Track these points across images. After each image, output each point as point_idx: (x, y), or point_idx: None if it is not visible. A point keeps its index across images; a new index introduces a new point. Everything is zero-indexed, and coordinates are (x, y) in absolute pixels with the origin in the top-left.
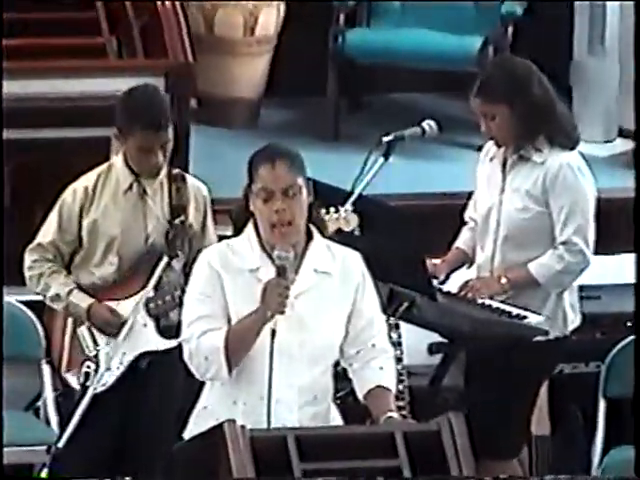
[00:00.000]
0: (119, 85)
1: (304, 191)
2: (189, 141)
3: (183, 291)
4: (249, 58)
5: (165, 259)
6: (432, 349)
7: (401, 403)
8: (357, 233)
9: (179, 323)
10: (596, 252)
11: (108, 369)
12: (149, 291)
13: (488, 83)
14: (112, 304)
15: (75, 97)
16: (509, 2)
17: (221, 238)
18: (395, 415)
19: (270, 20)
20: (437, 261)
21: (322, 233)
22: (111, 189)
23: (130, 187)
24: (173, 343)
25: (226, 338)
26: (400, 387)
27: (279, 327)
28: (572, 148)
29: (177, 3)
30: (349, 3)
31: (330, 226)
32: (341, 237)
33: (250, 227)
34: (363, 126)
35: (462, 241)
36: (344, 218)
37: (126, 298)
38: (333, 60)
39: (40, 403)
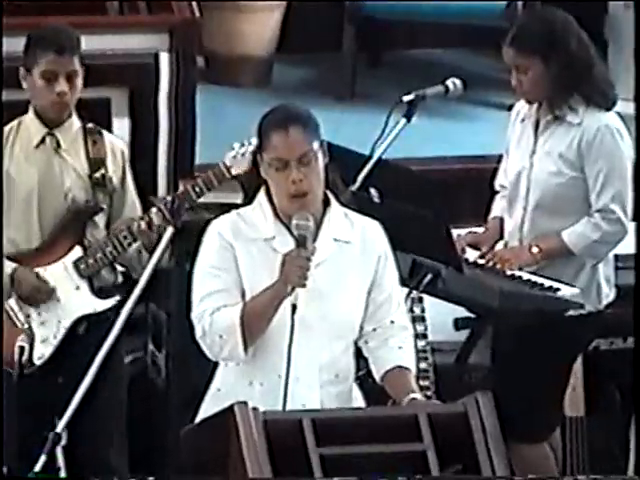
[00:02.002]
0: (120, 43)
1: (320, 156)
2: (195, 102)
3: (114, 246)
4: (259, 13)
5: (91, 215)
6: (458, 324)
7: (425, 382)
8: (377, 200)
9: (113, 282)
10: (634, 218)
11: (43, 341)
12: (79, 251)
13: (524, 33)
14: (40, 270)
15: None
16: None
17: (233, 207)
18: (418, 396)
19: None
20: (479, 230)
21: (339, 199)
22: (22, 144)
23: (42, 140)
24: (111, 302)
25: (242, 314)
26: (424, 365)
27: (298, 299)
28: (609, 109)
29: None
30: None
31: (237, 163)
32: (361, 203)
33: (262, 195)
34: (382, 84)
35: (499, 210)
36: (251, 153)
37: (54, 262)
38: (350, 14)
39: None
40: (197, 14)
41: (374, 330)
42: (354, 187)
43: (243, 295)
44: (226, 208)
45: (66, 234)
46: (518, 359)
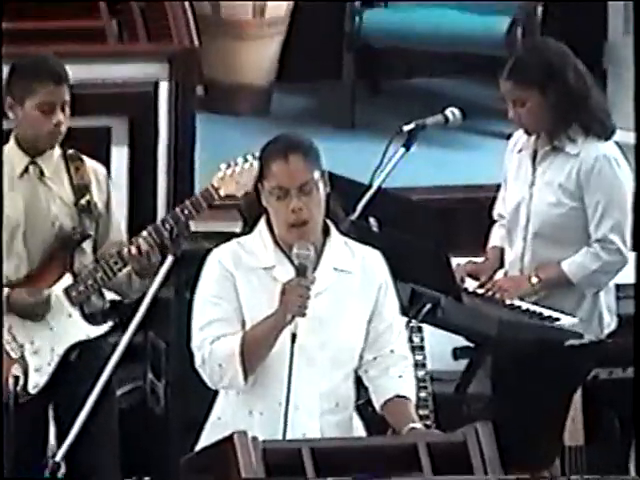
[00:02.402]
0: (120, 72)
1: (321, 185)
2: (195, 130)
3: (104, 272)
4: (259, 41)
5: (79, 243)
6: (457, 354)
7: (424, 412)
8: (375, 229)
9: (102, 308)
10: (634, 248)
11: (37, 370)
12: (67, 278)
13: (521, 65)
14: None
15: (73, 84)
16: None
17: (229, 234)
18: (418, 425)
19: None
20: (478, 260)
21: (339, 228)
22: (6, 175)
23: (26, 170)
24: (104, 328)
25: (242, 343)
26: (423, 394)
27: (298, 328)
28: (607, 138)
29: None
30: None
31: (225, 184)
32: (360, 233)
33: (262, 223)
34: (381, 113)
35: (498, 239)
36: (239, 173)
37: (44, 289)
38: (349, 42)
39: None
40: (196, 42)
41: (374, 359)
42: (353, 216)
43: (243, 324)
44: (225, 237)
45: (55, 262)
46: (518, 389)
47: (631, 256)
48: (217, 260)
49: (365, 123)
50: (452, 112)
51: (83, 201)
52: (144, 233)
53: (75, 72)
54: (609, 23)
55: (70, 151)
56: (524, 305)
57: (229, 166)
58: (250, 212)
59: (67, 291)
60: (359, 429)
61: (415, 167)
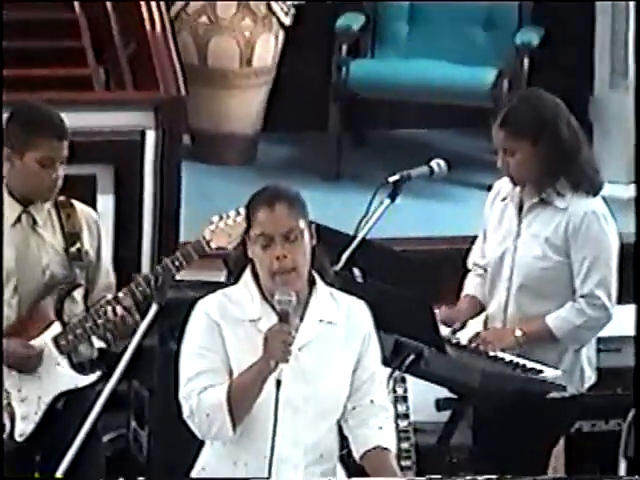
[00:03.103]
0: (106, 120)
1: (306, 235)
2: (181, 180)
3: (94, 321)
4: (245, 91)
5: (69, 291)
6: (440, 405)
7: (407, 463)
8: (360, 279)
9: (90, 358)
10: (617, 301)
11: (24, 418)
12: (58, 326)
13: (514, 115)
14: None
15: None
16: (525, 31)
17: (214, 284)
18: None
19: (268, 50)
20: (450, 309)
21: (325, 280)
22: None
23: (19, 219)
24: (92, 378)
25: (228, 392)
26: (406, 445)
27: (283, 380)
28: (595, 194)
29: (168, 31)
30: (352, 31)
31: (217, 237)
32: (344, 283)
33: (248, 274)
34: (367, 164)
35: (471, 287)
36: (230, 226)
37: (33, 338)
38: (335, 93)
39: None
40: (183, 91)
41: (354, 409)
42: (337, 267)
43: (230, 374)
44: (210, 287)
45: (44, 310)
46: (500, 440)
47: (617, 309)
48: (203, 311)
49: (350, 174)
50: (437, 163)
51: (74, 249)
52: (131, 285)
53: None
54: (595, 77)
55: (61, 198)
56: (507, 357)
57: (221, 218)
58: (236, 264)
59: (56, 340)
60: (342, 479)
61: (400, 218)
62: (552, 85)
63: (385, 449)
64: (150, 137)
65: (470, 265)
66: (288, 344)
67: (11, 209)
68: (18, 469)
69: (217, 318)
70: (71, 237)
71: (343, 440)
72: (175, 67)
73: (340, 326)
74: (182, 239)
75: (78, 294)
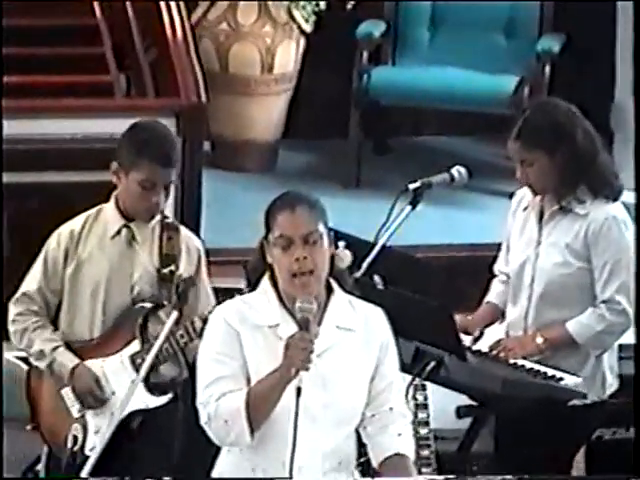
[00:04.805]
0: (127, 127)
1: (325, 239)
2: (201, 187)
3: (171, 345)
4: (266, 98)
5: (152, 310)
6: (461, 412)
7: (427, 470)
8: (380, 287)
9: (171, 379)
10: (636, 308)
11: (97, 431)
12: (137, 345)
13: (529, 127)
14: (98, 361)
15: (80, 139)
16: (546, 38)
17: (233, 290)
18: None
19: (289, 57)
20: (469, 316)
21: (343, 287)
22: (98, 233)
23: (119, 232)
24: (163, 400)
25: (247, 399)
26: (426, 452)
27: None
28: (615, 199)
29: (189, 37)
30: (374, 38)
31: None
32: (364, 290)
33: (266, 281)
34: (387, 172)
35: (494, 295)
36: (337, 255)
37: (112, 354)
38: (356, 100)
39: (40, 467)
40: (204, 98)
41: (373, 416)
42: (358, 274)
43: (248, 381)
44: (230, 293)
45: (127, 327)
46: (521, 448)
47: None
48: (222, 318)
49: (371, 181)
50: (458, 171)
51: (166, 270)
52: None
53: (83, 127)
54: (617, 85)
55: (168, 219)
56: (528, 364)
57: None
58: (254, 271)
59: (133, 357)
60: None
61: (421, 225)
62: (573, 93)
63: (404, 456)
64: None
65: (496, 271)
66: (309, 352)
67: (114, 222)
68: None
69: (235, 324)
70: (167, 259)
71: (362, 448)
72: (196, 74)
73: (358, 333)
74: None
75: (165, 315)
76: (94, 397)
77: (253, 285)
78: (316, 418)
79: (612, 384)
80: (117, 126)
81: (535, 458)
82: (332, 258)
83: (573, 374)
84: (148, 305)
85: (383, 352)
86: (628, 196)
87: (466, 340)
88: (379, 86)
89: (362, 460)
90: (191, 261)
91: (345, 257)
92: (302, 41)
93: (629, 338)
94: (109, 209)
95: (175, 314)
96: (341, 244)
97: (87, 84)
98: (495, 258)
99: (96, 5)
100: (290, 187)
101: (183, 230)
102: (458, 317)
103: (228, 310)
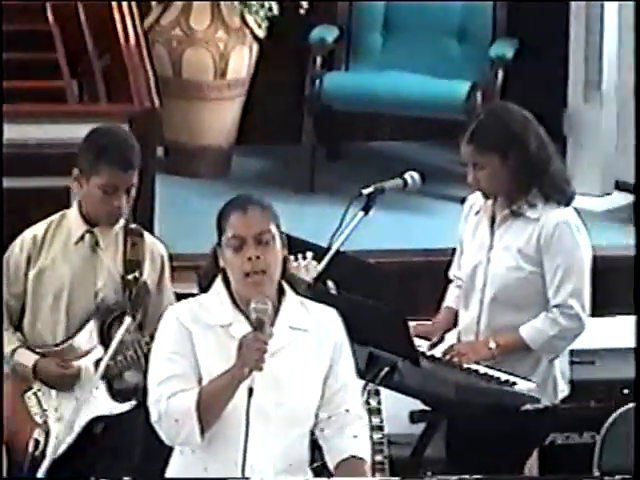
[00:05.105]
0: (79, 132)
1: (277, 240)
2: (154, 192)
3: (135, 351)
4: (219, 103)
5: (117, 317)
6: (414, 417)
7: (381, 475)
8: (334, 292)
9: (135, 385)
10: (590, 314)
11: (58, 437)
12: (100, 351)
13: (482, 130)
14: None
15: (32, 144)
16: (499, 43)
17: (187, 296)
18: None
19: (242, 62)
20: (428, 322)
21: (295, 290)
22: (62, 239)
23: (82, 238)
24: (127, 407)
25: (198, 398)
26: (380, 458)
27: (254, 387)
28: (567, 204)
29: (142, 43)
30: (326, 43)
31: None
32: (318, 295)
33: (219, 282)
34: (341, 177)
35: (451, 300)
36: (304, 266)
37: (75, 359)
38: (309, 106)
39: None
40: (157, 103)
41: (329, 418)
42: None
43: (200, 381)
44: (183, 298)
45: (91, 333)
46: (473, 453)
47: (592, 321)
48: (174, 317)
49: (324, 186)
50: (411, 176)
51: (131, 277)
52: None
53: (35, 132)
54: (569, 90)
55: (133, 225)
56: (481, 369)
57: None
58: (206, 275)
59: (97, 364)
60: None
61: (374, 231)
62: (526, 98)
63: (360, 459)
64: None
65: (451, 276)
66: (262, 352)
67: (77, 227)
68: None
69: (188, 323)
70: (131, 265)
71: (317, 452)
72: (149, 79)
73: (311, 333)
74: None
75: (129, 322)
76: (65, 378)
77: (205, 290)
78: (269, 418)
79: (563, 389)
80: (70, 132)
81: (488, 463)
82: (284, 261)
83: (526, 379)
84: (113, 312)
85: (337, 352)
86: (583, 201)
87: (425, 346)
88: (332, 91)
89: (315, 465)
90: (155, 267)
91: (312, 269)
92: (255, 46)
93: (581, 343)
94: (72, 214)
95: (128, 320)
96: (309, 255)
97: (40, 89)
98: (448, 263)
99: (49, 11)
100: (244, 192)
101: (147, 236)
102: (418, 323)
103: (180, 310)
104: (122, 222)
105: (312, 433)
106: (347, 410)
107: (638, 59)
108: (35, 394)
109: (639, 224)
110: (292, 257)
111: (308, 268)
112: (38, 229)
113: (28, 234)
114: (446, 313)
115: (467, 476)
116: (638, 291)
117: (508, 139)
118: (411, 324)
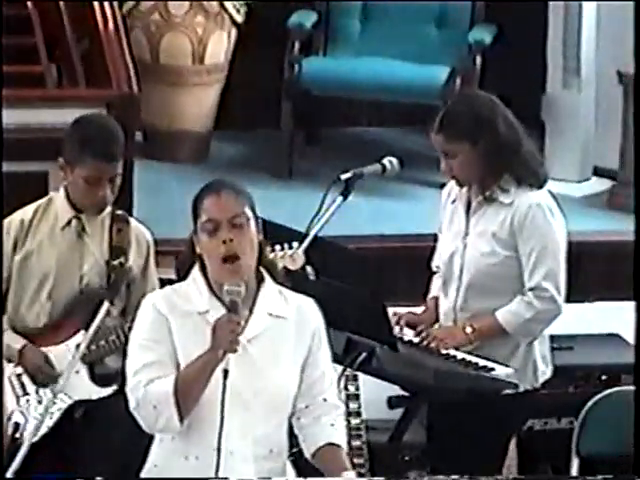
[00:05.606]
0: (58, 116)
1: (252, 224)
2: (133, 177)
3: (118, 336)
4: (198, 88)
5: (101, 302)
6: (392, 403)
7: (359, 460)
8: (312, 277)
9: (116, 371)
10: (569, 300)
11: (39, 419)
12: (83, 335)
13: (450, 119)
14: (44, 349)
15: (10, 129)
16: (477, 29)
17: (167, 282)
18: (352, 474)
19: (221, 47)
20: (418, 310)
21: (274, 277)
22: (48, 224)
23: (68, 223)
24: (107, 392)
25: (175, 383)
26: (358, 443)
27: (232, 373)
28: (540, 187)
29: (120, 28)
30: (305, 29)
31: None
32: (296, 281)
33: (196, 270)
34: (319, 162)
35: (436, 290)
36: (290, 256)
37: (58, 343)
38: (288, 91)
39: None
40: (135, 88)
41: (306, 407)
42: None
43: (178, 368)
44: (162, 283)
45: (75, 317)
46: (452, 438)
47: (571, 307)
48: (151, 304)
49: (303, 172)
50: (390, 161)
51: (116, 262)
52: None
53: (13, 117)
54: (548, 76)
55: (119, 212)
56: (459, 355)
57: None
58: (183, 262)
59: (78, 348)
60: (292, 478)
61: (352, 216)
62: (504, 84)
63: (337, 446)
64: None
65: (434, 267)
66: (236, 334)
67: (64, 212)
68: (25, 469)
69: (165, 311)
70: (117, 251)
71: (294, 439)
72: (127, 64)
73: (290, 321)
74: None
75: (114, 307)
76: (44, 374)
77: (183, 277)
78: (247, 404)
79: (545, 372)
80: (48, 116)
81: (467, 448)
82: (260, 245)
83: (504, 364)
84: (97, 297)
85: (316, 342)
86: (560, 187)
87: (410, 334)
88: (310, 76)
89: (294, 450)
90: (141, 253)
91: (298, 259)
92: (234, 31)
93: (559, 329)
94: (59, 199)
95: (106, 304)
96: (295, 244)
97: (18, 74)
98: (428, 249)
99: None
100: (222, 177)
101: (133, 222)
102: (408, 311)
103: (157, 297)
104: (109, 209)
105: (288, 421)
106: (325, 399)
107: (638, 57)
108: (18, 376)
109: (639, 213)
110: (278, 247)
111: (294, 258)
112: (25, 213)
113: (16, 217)
114: (433, 303)
115: (456, 476)
116: (638, 278)
117: (477, 125)
118: (398, 311)
